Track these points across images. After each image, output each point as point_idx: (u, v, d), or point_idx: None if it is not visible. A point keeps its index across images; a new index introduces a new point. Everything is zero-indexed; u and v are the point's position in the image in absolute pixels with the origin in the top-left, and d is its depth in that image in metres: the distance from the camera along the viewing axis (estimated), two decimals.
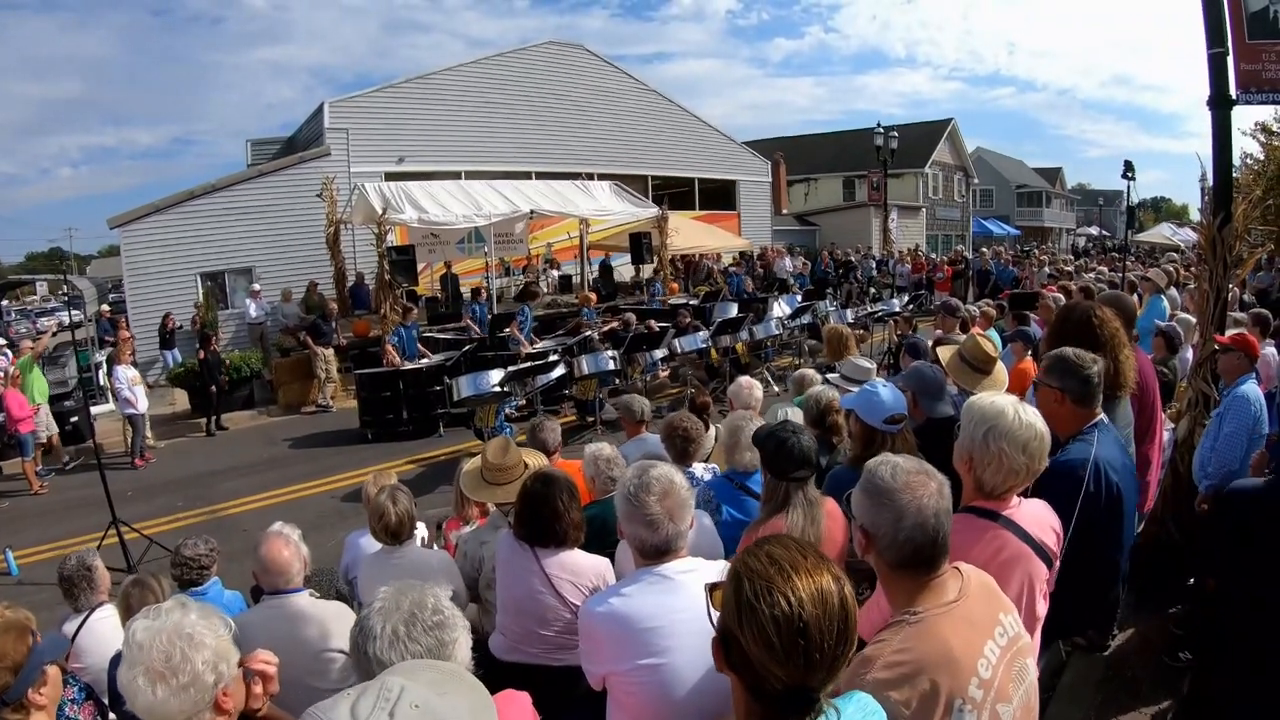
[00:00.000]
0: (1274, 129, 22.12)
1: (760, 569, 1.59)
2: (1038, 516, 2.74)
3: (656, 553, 2.57)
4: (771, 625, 1.52)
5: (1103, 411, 3.47)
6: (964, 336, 7.16)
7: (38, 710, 2.51)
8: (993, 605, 2.16)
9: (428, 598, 1.98)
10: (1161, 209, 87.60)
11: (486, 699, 1.44)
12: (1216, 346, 5.66)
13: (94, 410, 11.99)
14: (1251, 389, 5.36)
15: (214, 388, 14.78)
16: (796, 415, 5.18)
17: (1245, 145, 23.21)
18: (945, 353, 5.71)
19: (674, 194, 30.39)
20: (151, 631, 1.96)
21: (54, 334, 16.97)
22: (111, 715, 3.54)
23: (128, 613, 3.82)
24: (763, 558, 1.62)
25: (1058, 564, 2.74)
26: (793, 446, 3.16)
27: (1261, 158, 22.47)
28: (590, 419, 12.94)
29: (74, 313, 12.83)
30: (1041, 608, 2.71)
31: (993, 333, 9.57)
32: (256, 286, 19.70)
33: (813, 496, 3.20)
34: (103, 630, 4.12)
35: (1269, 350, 7.12)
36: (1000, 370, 5.16)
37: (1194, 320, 6.92)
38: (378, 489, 4.36)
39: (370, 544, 4.87)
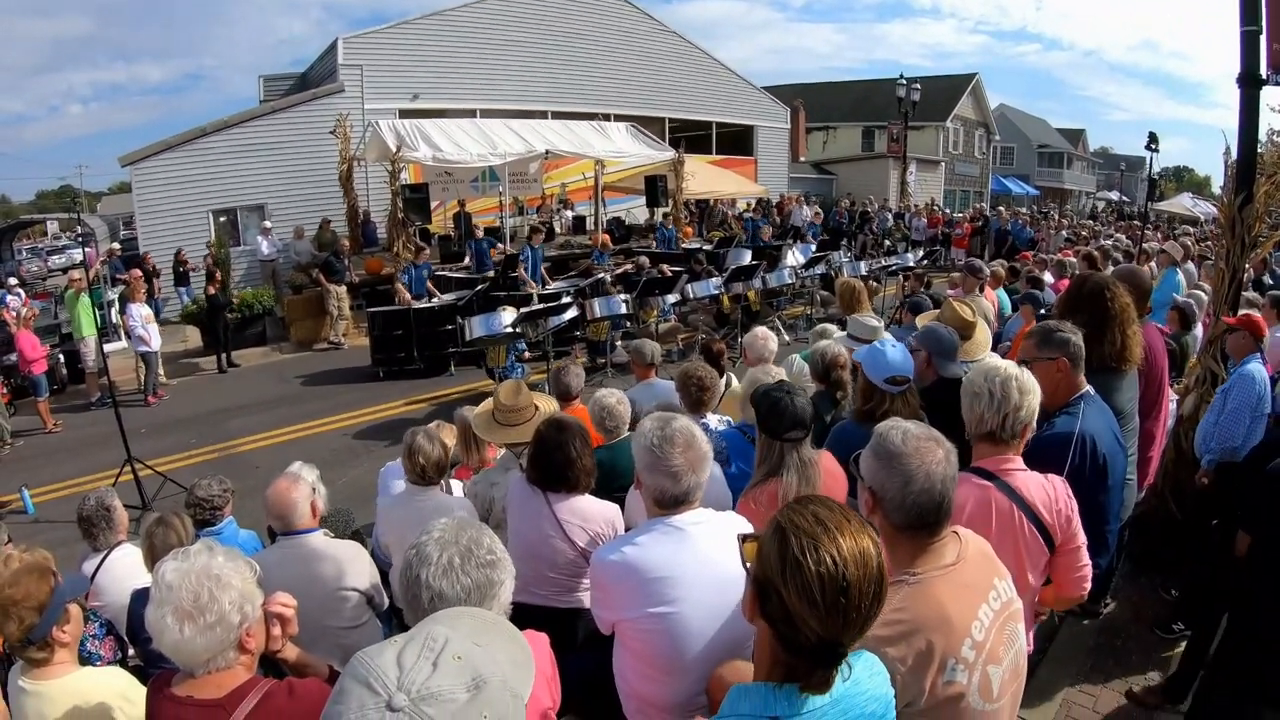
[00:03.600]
0: None
1: (806, 526, 1.63)
2: (1043, 490, 2.79)
3: (675, 503, 2.61)
4: (816, 582, 1.56)
5: (1093, 385, 3.51)
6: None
7: (61, 647, 2.59)
8: (988, 570, 2.23)
9: (484, 536, 2.02)
10: (1184, 178, 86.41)
11: (525, 650, 1.49)
12: (1225, 326, 5.64)
13: (106, 349, 11.99)
14: (1257, 368, 5.34)
15: (216, 326, 14.78)
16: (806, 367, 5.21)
17: (1275, 122, 22.80)
18: (925, 320, 5.73)
19: (691, 137, 30.25)
20: (181, 573, 2.01)
21: (101, 264, 16.79)
22: (131, 650, 3.63)
23: (151, 551, 3.86)
24: (809, 516, 1.65)
25: (1059, 540, 2.78)
26: (785, 407, 3.16)
27: None
28: (601, 360, 12.99)
29: (87, 250, 12.73)
30: (1033, 577, 2.79)
31: (1002, 293, 9.58)
32: (268, 224, 19.64)
33: (807, 457, 3.20)
34: (121, 569, 4.18)
35: None
36: (982, 331, 5.21)
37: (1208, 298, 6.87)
38: (425, 433, 4.38)
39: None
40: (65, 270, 22.91)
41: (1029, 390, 2.84)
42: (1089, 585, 2.94)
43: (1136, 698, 4.51)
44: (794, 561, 1.59)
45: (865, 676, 1.76)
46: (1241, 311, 5.95)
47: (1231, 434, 5.19)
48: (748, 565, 1.73)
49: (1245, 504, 3.86)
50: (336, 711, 1.16)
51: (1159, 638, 5.02)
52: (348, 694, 1.17)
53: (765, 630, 1.69)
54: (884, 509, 2.17)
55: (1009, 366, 2.88)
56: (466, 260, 17.35)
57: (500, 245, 17.63)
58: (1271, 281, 12.40)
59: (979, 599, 2.13)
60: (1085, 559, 2.89)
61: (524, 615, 3.34)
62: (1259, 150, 5.94)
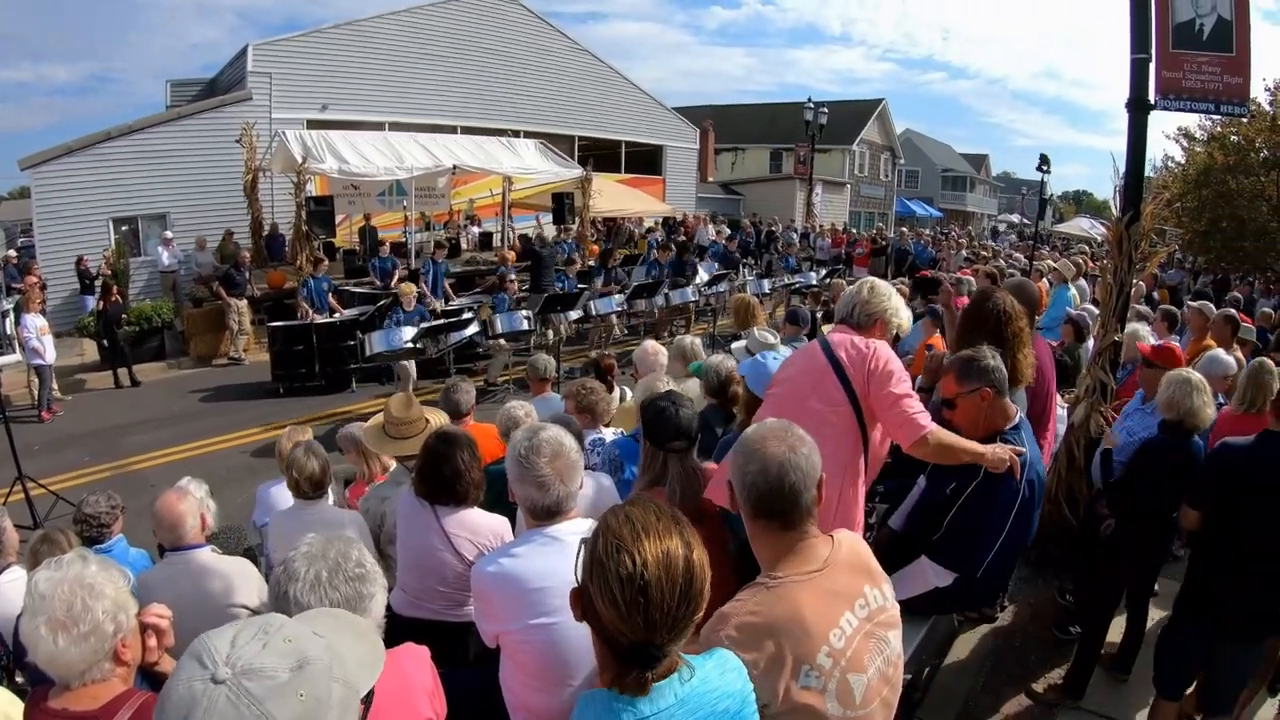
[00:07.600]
0: (1196, 135, 22.57)
1: (615, 528, 1.68)
2: (851, 350, 3.40)
3: (547, 514, 2.63)
4: (616, 583, 1.61)
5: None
6: None
7: None
8: (858, 577, 2.22)
9: (352, 550, 2.05)
10: (1083, 202, 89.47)
11: (375, 652, 1.53)
12: (1141, 359, 5.67)
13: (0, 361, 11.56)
14: None
15: (106, 342, 14.21)
16: (693, 384, 5.33)
17: (1168, 148, 23.90)
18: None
19: (600, 156, 30.27)
20: (54, 582, 2.01)
21: None
22: (19, 677, 3.54)
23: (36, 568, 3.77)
24: (621, 517, 1.71)
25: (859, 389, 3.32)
26: (670, 416, 3.21)
27: (1183, 161, 23.09)
28: (503, 379, 12.96)
29: None
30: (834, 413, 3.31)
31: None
32: (168, 234, 18.96)
33: (690, 467, 3.26)
34: (10, 593, 3.90)
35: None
36: None
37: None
38: (293, 444, 4.39)
39: (280, 495, 4.92)
40: None
41: (884, 294, 3.59)
42: (914, 434, 3.21)
43: (1037, 695, 4.66)
44: (599, 563, 1.65)
45: (716, 675, 1.79)
46: (1156, 340, 6.15)
47: None
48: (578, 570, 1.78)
49: (1195, 486, 4.02)
50: (170, 684, 1.21)
51: (1057, 638, 5.20)
52: (182, 667, 1.22)
53: (593, 631, 1.74)
54: (736, 497, 2.22)
55: (871, 279, 3.75)
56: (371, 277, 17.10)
57: (402, 263, 17.34)
58: (1159, 297, 13.09)
59: (843, 606, 2.12)
60: (904, 411, 3.24)
61: (415, 629, 3.38)
62: (1153, 173, 6.25)
